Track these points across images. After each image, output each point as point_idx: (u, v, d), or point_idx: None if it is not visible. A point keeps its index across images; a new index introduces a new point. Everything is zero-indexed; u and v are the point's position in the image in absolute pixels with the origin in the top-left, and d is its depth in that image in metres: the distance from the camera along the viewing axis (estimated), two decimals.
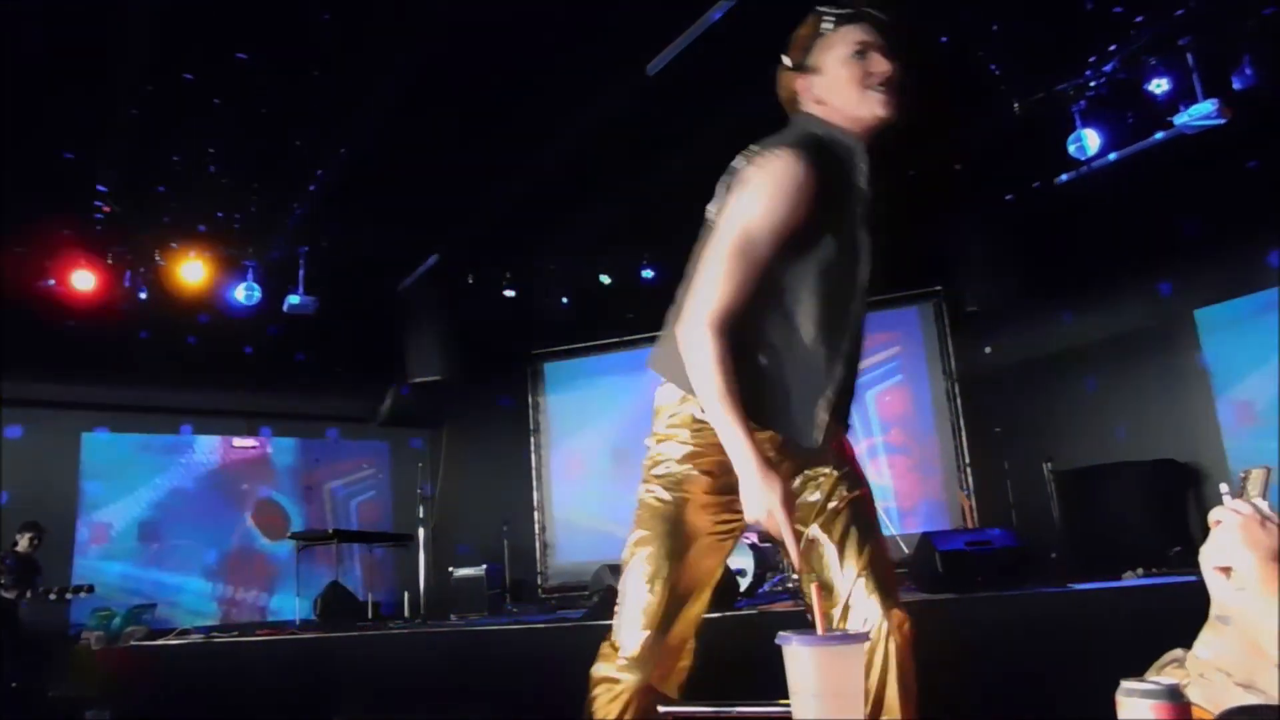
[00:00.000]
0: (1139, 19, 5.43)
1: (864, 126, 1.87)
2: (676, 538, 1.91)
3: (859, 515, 1.97)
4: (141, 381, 8.48)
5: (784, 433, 1.90)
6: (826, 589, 1.91)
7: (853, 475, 2.01)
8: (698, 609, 1.96)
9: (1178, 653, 1.31)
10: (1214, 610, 1.22)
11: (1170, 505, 6.70)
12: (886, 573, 1.94)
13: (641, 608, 1.89)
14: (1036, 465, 6.94)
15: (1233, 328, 6.87)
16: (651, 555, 1.91)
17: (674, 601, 1.90)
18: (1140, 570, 5.13)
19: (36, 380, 8.02)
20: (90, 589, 7.04)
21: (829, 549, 1.93)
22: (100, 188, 6.46)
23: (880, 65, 1.85)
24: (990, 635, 4.10)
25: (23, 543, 7.15)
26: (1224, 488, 1.25)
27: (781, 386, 1.88)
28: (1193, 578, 1.25)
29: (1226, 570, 1.17)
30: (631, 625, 1.90)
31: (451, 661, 4.74)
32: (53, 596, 6.90)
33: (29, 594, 6.80)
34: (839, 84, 1.86)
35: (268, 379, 9.01)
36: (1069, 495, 6.83)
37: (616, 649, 1.90)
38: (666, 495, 1.93)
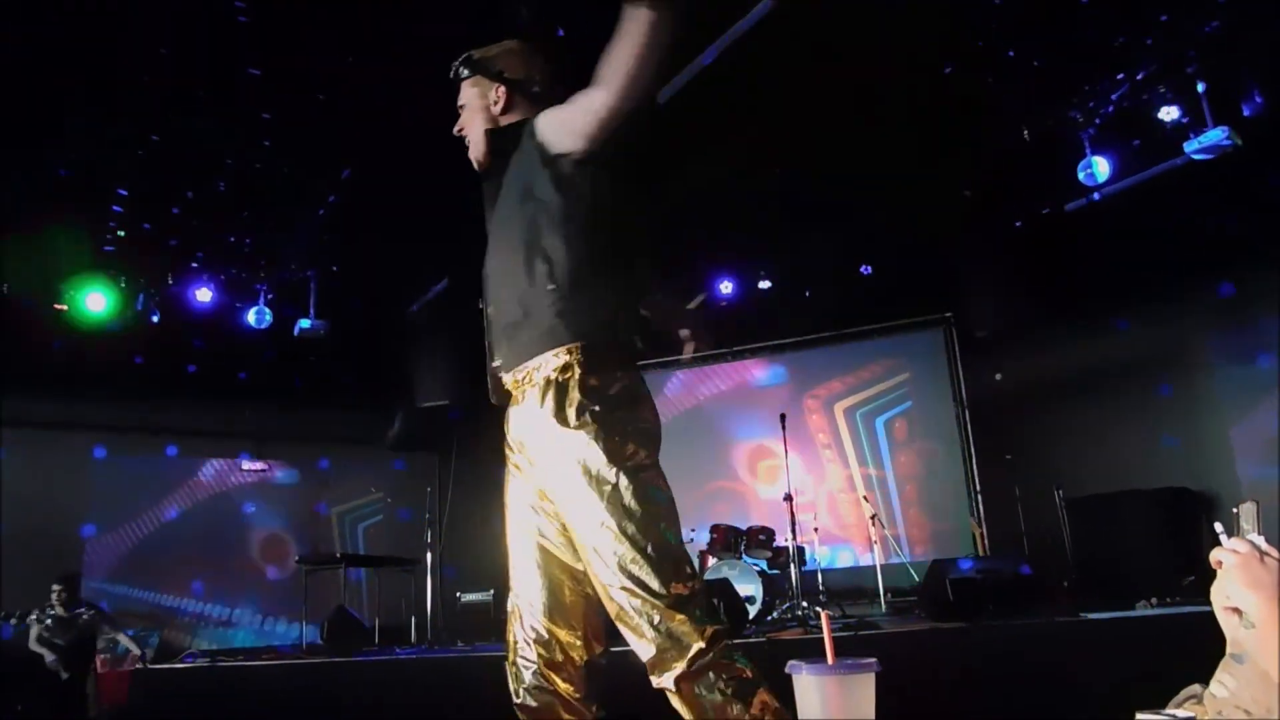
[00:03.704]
0: (1148, 41, 5.45)
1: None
2: None
3: None
4: (152, 403, 8.51)
5: None
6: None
7: None
8: None
9: (1195, 688, 1.29)
10: (1229, 649, 1.21)
11: (1183, 534, 6.64)
12: None
13: None
14: (1048, 492, 6.90)
15: (1246, 354, 6.83)
16: None
17: None
18: (1153, 600, 5.08)
19: (46, 401, 8.05)
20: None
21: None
22: (116, 206, 6.51)
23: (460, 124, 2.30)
24: (1001, 665, 4.06)
25: (54, 599, 6.53)
26: (1219, 527, 1.25)
27: None
28: (1206, 608, 1.24)
29: (1237, 610, 1.17)
30: None
31: (457, 687, 4.71)
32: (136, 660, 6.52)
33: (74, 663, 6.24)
34: None
35: (278, 402, 9.03)
36: (1081, 522, 6.79)
37: None
38: None
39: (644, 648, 1.80)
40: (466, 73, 2.27)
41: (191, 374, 8.21)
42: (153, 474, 9.09)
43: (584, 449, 1.89)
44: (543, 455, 1.99)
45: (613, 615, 1.87)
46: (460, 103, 2.29)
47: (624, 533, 1.83)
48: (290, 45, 5.02)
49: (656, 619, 1.79)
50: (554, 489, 1.97)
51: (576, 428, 1.90)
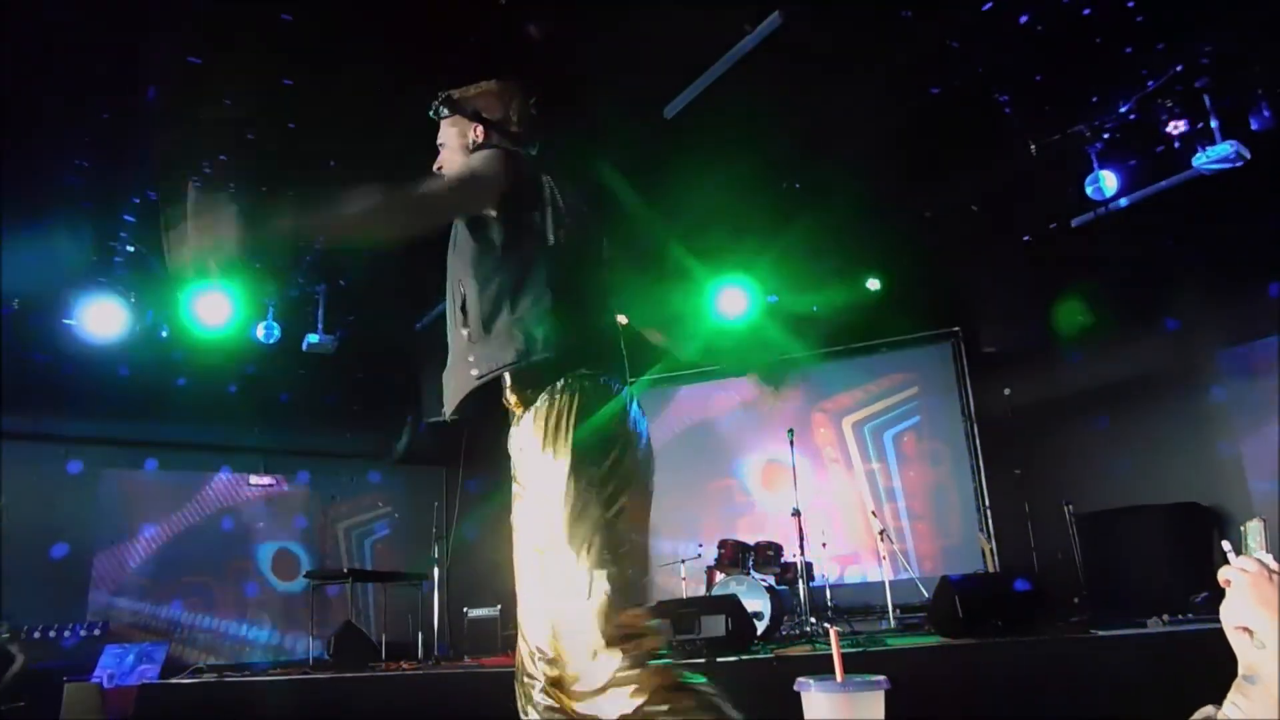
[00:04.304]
0: (1156, 51, 5.44)
1: None
2: None
3: None
4: (159, 418, 8.52)
5: None
6: None
7: None
8: None
9: (1209, 710, 1.28)
10: (1241, 670, 1.19)
11: (1194, 549, 6.59)
12: None
13: None
14: (1057, 507, 6.87)
15: (1256, 369, 6.80)
16: None
17: None
18: (1165, 617, 5.04)
19: (53, 417, 8.08)
20: None
21: None
22: (126, 220, 6.54)
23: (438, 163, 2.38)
24: (1011, 682, 4.03)
25: None
26: (1226, 546, 1.25)
27: None
28: (1220, 625, 1.22)
29: (1248, 630, 1.16)
30: None
31: (464, 703, 4.70)
32: None
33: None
34: None
35: (286, 417, 9.04)
36: (1091, 538, 6.75)
37: None
38: None
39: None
40: (445, 112, 2.31)
41: (199, 389, 8.21)
42: (161, 488, 9.09)
43: (546, 487, 1.97)
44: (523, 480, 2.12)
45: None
46: (439, 141, 2.35)
47: (546, 609, 1.92)
48: (305, 57, 5.04)
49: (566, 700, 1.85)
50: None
51: (539, 465, 2.00)
